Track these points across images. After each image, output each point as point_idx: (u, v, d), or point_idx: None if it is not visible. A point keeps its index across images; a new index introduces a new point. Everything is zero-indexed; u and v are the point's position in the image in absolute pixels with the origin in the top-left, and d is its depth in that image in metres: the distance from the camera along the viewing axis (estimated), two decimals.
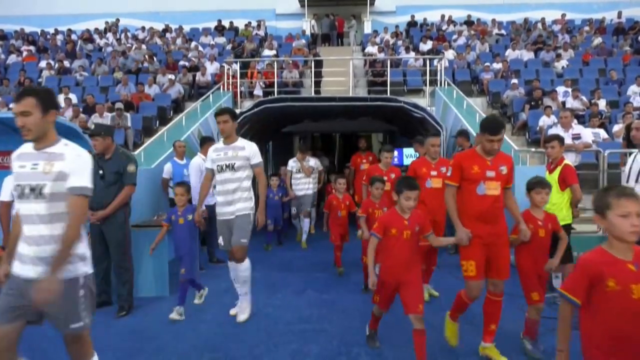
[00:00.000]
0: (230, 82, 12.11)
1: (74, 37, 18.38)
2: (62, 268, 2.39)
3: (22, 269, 2.49)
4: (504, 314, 3.68)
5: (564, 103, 11.08)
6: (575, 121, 8.72)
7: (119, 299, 4.89)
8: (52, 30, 19.10)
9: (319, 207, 10.35)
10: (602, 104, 11.01)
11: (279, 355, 3.81)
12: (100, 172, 4.82)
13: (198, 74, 13.52)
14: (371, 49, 15.46)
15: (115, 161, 4.87)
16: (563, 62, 13.77)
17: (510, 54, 14.73)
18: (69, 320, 2.50)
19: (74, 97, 11.91)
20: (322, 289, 5.65)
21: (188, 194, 4.98)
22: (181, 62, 14.57)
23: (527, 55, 14.70)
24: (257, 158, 4.59)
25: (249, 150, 4.56)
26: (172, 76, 13.18)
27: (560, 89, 11.56)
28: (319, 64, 13.61)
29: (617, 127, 9.20)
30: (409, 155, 10.91)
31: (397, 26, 18.35)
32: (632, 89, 11.68)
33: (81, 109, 11.17)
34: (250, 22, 19.03)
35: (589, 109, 10.50)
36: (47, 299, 2.30)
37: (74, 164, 2.50)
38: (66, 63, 15.05)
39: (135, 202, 5.18)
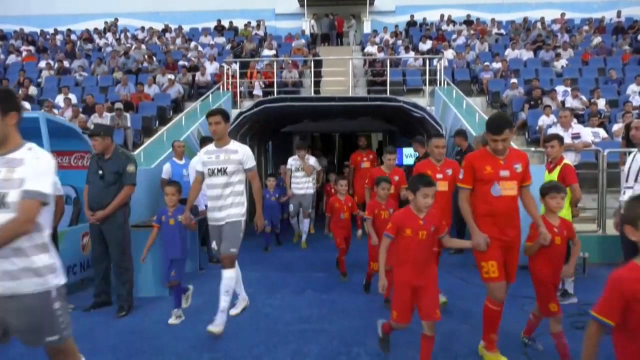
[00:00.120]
0: (230, 82, 12.10)
1: (73, 37, 18.38)
2: None
3: None
4: (506, 314, 3.66)
5: (563, 102, 11.09)
6: (575, 120, 8.73)
7: (119, 299, 4.88)
8: (51, 30, 19.10)
9: (318, 207, 10.33)
10: (601, 103, 11.01)
11: (278, 355, 3.81)
12: (100, 172, 4.83)
13: (198, 74, 13.51)
14: (371, 48, 15.46)
15: (114, 161, 4.86)
16: (562, 62, 13.77)
17: (510, 53, 14.73)
18: (44, 334, 2.37)
19: (73, 97, 11.90)
20: (321, 289, 5.64)
21: (179, 194, 4.81)
22: (181, 62, 14.56)
23: (526, 54, 14.70)
24: (251, 162, 4.41)
25: (242, 153, 4.36)
26: (171, 76, 13.18)
27: (560, 89, 11.57)
28: (318, 63, 13.60)
29: (617, 127, 9.21)
30: (409, 155, 10.91)
31: (396, 26, 18.35)
32: (632, 88, 11.69)
33: (81, 109, 11.16)
34: (249, 22, 19.03)
35: (589, 109, 10.51)
36: None
37: (32, 168, 2.25)
38: (66, 63, 15.04)
39: (134, 202, 5.19)
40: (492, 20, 18.13)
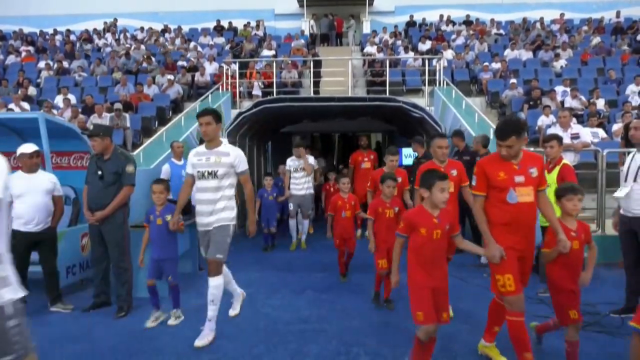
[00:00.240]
0: (229, 83, 12.10)
1: (72, 37, 18.38)
2: None
3: None
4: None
5: (562, 103, 11.10)
6: (574, 120, 8.74)
7: (118, 300, 4.88)
8: (50, 31, 19.10)
9: (317, 207, 10.32)
10: (600, 103, 11.03)
11: (278, 356, 3.80)
12: (99, 172, 4.82)
13: (197, 74, 13.51)
14: (370, 49, 15.46)
15: (114, 161, 4.86)
16: (562, 62, 13.79)
17: (509, 53, 14.74)
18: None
19: (72, 98, 11.90)
20: (321, 289, 5.64)
21: (167, 192, 4.66)
22: (180, 63, 14.57)
23: (525, 54, 14.71)
24: (243, 165, 4.20)
25: (233, 156, 4.14)
26: (171, 76, 13.18)
27: (559, 89, 11.58)
28: (317, 64, 13.61)
29: (617, 127, 9.22)
30: (408, 155, 10.91)
31: (396, 26, 18.37)
32: (631, 88, 11.71)
33: (80, 110, 11.15)
34: (249, 22, 19.03)
35: (588, 109, 10.52)
36: None
37: None
38: (65, 63, 15.04)
39: (134, 202, 5.18)
40: (492, 20, 18.15)
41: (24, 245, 4.76)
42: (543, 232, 4.36)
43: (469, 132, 8.13)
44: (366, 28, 19.74)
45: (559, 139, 5.10)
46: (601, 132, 8.98)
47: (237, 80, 12.37)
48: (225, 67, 12.35)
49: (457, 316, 4.48)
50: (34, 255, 4.92)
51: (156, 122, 11.48)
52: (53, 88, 13.26)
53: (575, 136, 7.80)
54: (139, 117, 11.24)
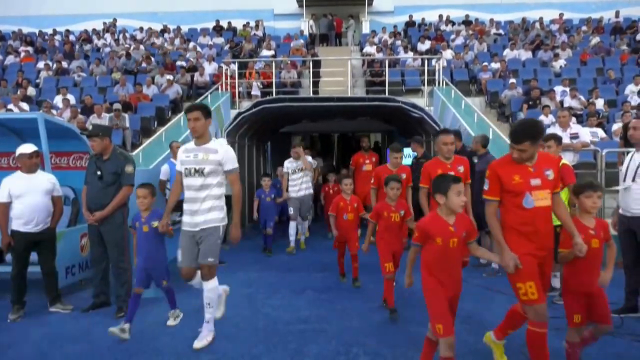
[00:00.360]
0: (229, 83, 12.10)
1: (72, 37, 18.37)
2: None
3: None
4: (504, 313, 3.63)
5: (562, 102, 11.11)
6: (574, 120, 8.74)
7: (118, 300, 4.88)
8: (50, 31, 19.09)
9: (316, 207, 10.30)
10: (599, 103, 11.04)
11: (277, 356, 3.80)
12: (99, 172, 4.82)
13: (196, 75, 13.51)
14: (369, 49, 15.47)
15: (113, 162, 4.86)
16: (561, 62, 13.80)
17: (508, 53, 14.75)
18: None
19: (72, 98, 11.89)
20: (321, 289, 5.64)
21: (152, 196, 4.39)
22: (179, 63, 14.56)
23: (525, 54, 14.72)
24: (231, 164, 4.01)
25: (222, 153, 3.96)
26: (170, 77, 13.17)
27: (558, 89, 11.59)
28: (317, 64, 13.61)
29: (617, 126, 9.22)
30: (407, 155, 10.91)
31: (395, 26, 18.37)
32: (630, 88, 11.72)
33: (79, 110, 11.15)
34: (248, 23, 19.03)
35: (587, 108, 10.53)
36: None
37: None
38: (64, 64, 15.04)
39: (133, 202, 5.15)
40: (491, 20, 18.17)
41: (23, 246, 4.76)
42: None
43: (468, 132, 8.14)
44: (365, 28, 19.74)
45: (557, 138, 5.09)
46: (600, 132, 8.99)
47: (237, 81, 12.38)
48: (224, 67, 12.35)
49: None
50: (33, 256, 4.92)
51: (155, 123, 11.48)
52: (52, 88, 13.26)
53: (574, 136, 7.80)
54: (138, 117, 11.23)
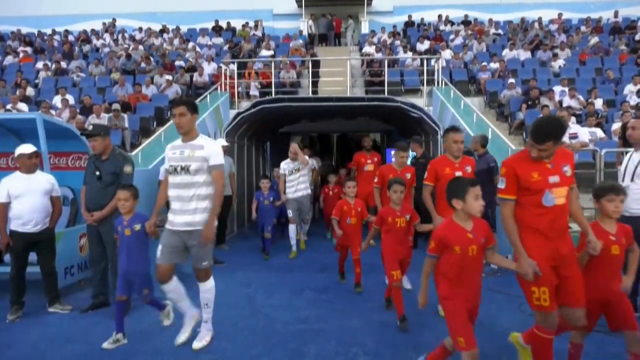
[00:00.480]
0: (228, 83, 12.10)
1: (70, 38, 18.35)
2: None
3: None
4: (504, 313, 3.62)
5: (560, 102, 11.12)
6: (573, 120, 8.75)
7: None
8: (49, 31, 19.07)
9: (315, 207, 10.27)
10: (598, 103, 11.04)
11: (277, 356, 3.80)
12: (97, 173, 4.82)
13: (195, 75, 13.50)
14: (368, 48, 15.47)
15: (112, 162, 4.85)
16: (560, 62, 13.81)
17: (507, 53, 14.76)
18: None
19: (71, 98, 11.89)
20: (320, 289, 5.64)
21: (134, 199, 4.21)
22: (178, 63, 14.56)
23: (524, 54, 14.73)
24: (217, 159, 3.83)
25: (208, 149, 3.81)
26: (169, 77, 13.16)
27: (557, 89, 11.60)
28: (316, 64, 13.60)
29: (616, 126, 9.23)
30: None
31: (394, 26, 18.38)
32: (629, 87, 11.73)
33: (78, 110, 11.14)
34: (247, 23, 19.03)
35: (586, 108, 10.53)
36: None
37: None
38: (63, 64, 15.02)
39: None
40: (490, 20, 18.17)
41: (22, 246, 4.76)
42: None
43: (468, 132, 8.14)
44: (365, 28, 19.75)
45: None
46: (599, 132, 8.99)
47: (236, 81, 12.37)
48: (223, 67, 12.35)
49: None
50: (32, 256, 4.91)
51: (154, 123, 11.47)
52: (51, 88, 13.25)
53: (573, 136, 7.80)
54: (137, 117, 11.22)
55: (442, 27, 18.32)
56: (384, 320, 4.52)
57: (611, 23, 17.51)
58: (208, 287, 3.98)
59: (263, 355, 3.81)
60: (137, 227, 4.12)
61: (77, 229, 5.77)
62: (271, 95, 11.69)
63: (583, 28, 17.29)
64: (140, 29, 18.90)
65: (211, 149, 3.84)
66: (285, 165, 7.67)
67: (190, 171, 3.78)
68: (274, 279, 6.17)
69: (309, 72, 13.00)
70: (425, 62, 12.51)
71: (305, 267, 6.86)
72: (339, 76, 13.12)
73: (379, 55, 14.64)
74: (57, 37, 18.64)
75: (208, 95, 11.48)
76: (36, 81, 14.18)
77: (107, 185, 4.82)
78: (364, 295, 5.37)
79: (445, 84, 11.70)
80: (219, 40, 17.52)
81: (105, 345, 3.99)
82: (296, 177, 7.60)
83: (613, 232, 3.07)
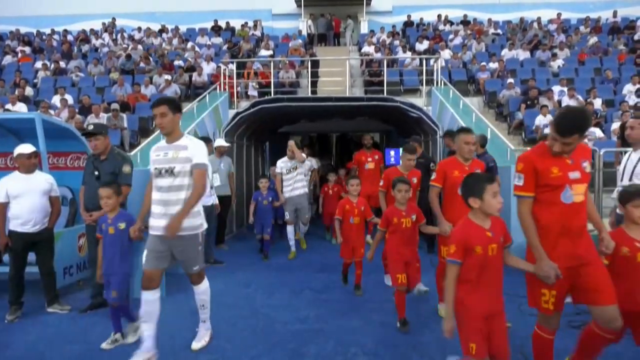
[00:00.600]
0: (227, 83, 12.09)
1: (70, 37, 18.34)
2: None
3: None
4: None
5: (559, 102, 11.13)
6: None
7: None
8: (48, 31, 19.05)
9: (313, 208, 10.24)
10: (597, 103, 11.06)
11: (276, 356, 3.80)
12: (96, 172, 4.81)
13: (194, 75, 13.49)
14: (368, 48, 15.47)
15: (110, 162, 4.84)
16: (559, 62, 13.83)
17: (506, 53, 14.77)
18: None
19: (69, 98, 11.88)
20: (319, 289, 5.64)
21: (116, 196, 4.09)
22: (177, 63, 14.55)
23: (523, 54, 14.75)
24: (199, 158, 3.63)
25: (192, 149, 3.62)
26: (168, 76, 13.16)
27: (556, 88, 11.62)
28: (315, 64, 13.60)
29: (615, 126, 9.25)
30: None
31: (393, 26, 18.40)
32: (628, 87, 11.75)
33: (77, 110, 11.14)
34: (246, 23, 19.02)
35: None
36: None
37: None
38: (62, 64, 15.01)
39: (130, 203, 5.16)
40: (489, 20, 18.19)
41: (21, 246, 4.74)
42: None
43: None
44: (364, 28, 19.76)
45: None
46: (598, 132, 9.01)
47: (235, 80, 12.36)
48: (222, 67, 12.34)
49: None
50: (31, 256, 4.90)
51: (153, 123, 11.45)
52: (50, 88, 13.24)
53: None
54: (136, 117, 11.22)
55: (441, 27, 18.33)
56: (383, 321, 4.52)
57: (610, 23, 17.53)
58: (203, 289, 3.95)
59: (262, 355, 3.81)
60: (122, 225, 4.01)
61: (76, 229, 5.76)
62: (270, 95, 11.69)
63: (582, 28, 17.32)
64: (139, 29, 18.89)
65: (195, 148, 3.65)
66: (282, 164, 7.54)
67: (174, 173, 3.60)
68: (273, 279, 6.17)
69: (308, 72, 12.99)
70: (424, 62, 12.51)
71: (305, 267, 6.86)
72: (338, 76, 13.12)
73: (378, 55, 14.65)
74: (56, 36, 18.63)
75: (207, 95, 11.47)
76: (35, 81, 14.17)
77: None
78: (364, 295, 5.37)
79: (445, 83, 11.70)
80: (218, 40, 17.51)
81: (104, 345, 4.00)
82: (293, 176, 7.49)
83: (639, 238, 2.92)
